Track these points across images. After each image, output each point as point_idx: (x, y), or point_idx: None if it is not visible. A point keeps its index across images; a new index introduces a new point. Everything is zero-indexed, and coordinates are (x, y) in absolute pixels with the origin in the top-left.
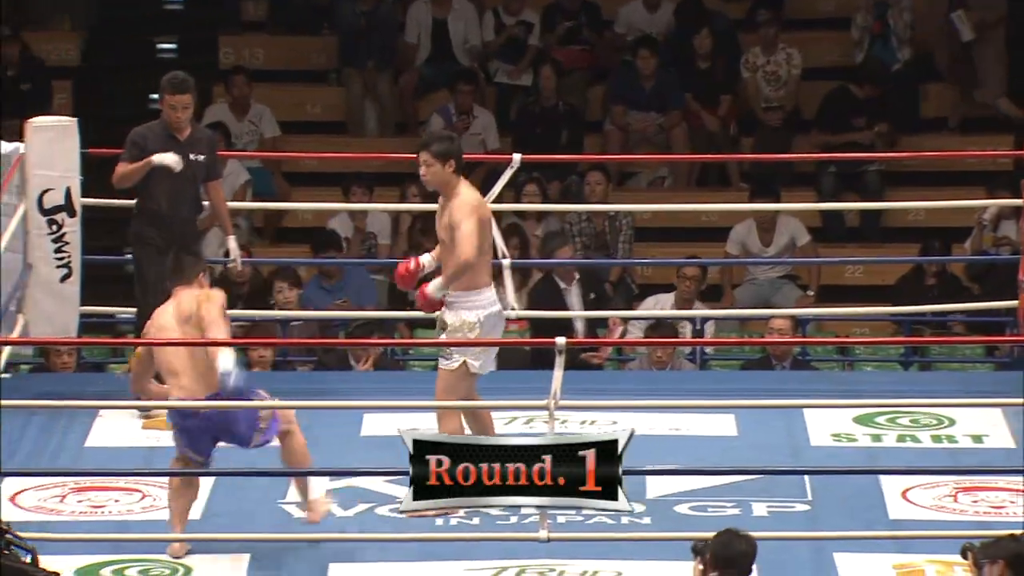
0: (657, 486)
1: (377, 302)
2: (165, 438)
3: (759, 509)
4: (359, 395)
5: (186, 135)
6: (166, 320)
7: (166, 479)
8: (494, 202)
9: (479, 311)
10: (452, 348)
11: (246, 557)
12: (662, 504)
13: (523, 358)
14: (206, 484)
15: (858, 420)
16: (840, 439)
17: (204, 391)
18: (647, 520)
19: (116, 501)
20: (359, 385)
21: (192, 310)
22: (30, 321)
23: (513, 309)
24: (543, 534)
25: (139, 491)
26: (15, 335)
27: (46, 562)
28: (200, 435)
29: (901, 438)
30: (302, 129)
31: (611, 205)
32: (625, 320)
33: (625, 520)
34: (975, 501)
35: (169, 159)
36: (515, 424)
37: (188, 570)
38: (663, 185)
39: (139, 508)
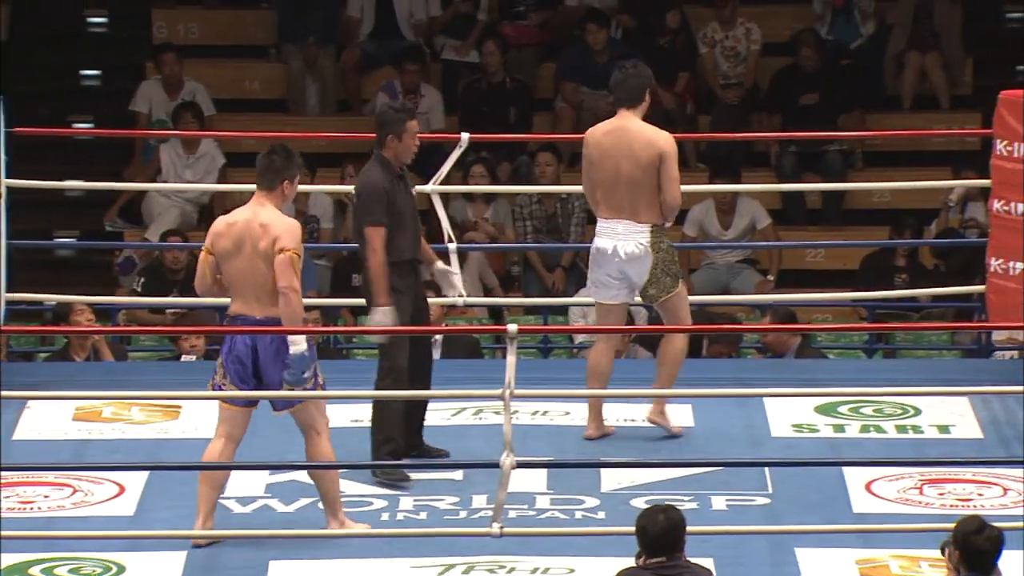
0: (612, 479)
1: (319, 288)
2: (96, 430)
3: (718, 503)
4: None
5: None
6: (239, 234)
7: (98, 473)
8: (441, 183)
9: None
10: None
11: (183, 554)
12: (617, 498)
13: (471, 346)
14: (139, 480)
15: (820, 410)
16: (801, 430)
17: (260, 312)
18: (601, 515)
19: (45, 496)
20: None
21: (267, 249)
22: None
23: (461, 296)
24: (495, 529)
25: (70, 486)
26: None
27: None
28: (241, 364)
29: (865, 428)
30: (240, 107)
31: (563, 187)
32: None
33: (579, 515)
34: (941, 494)
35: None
36: (464, 415)
37: (121, 568)
38: None
39: (70, 504)
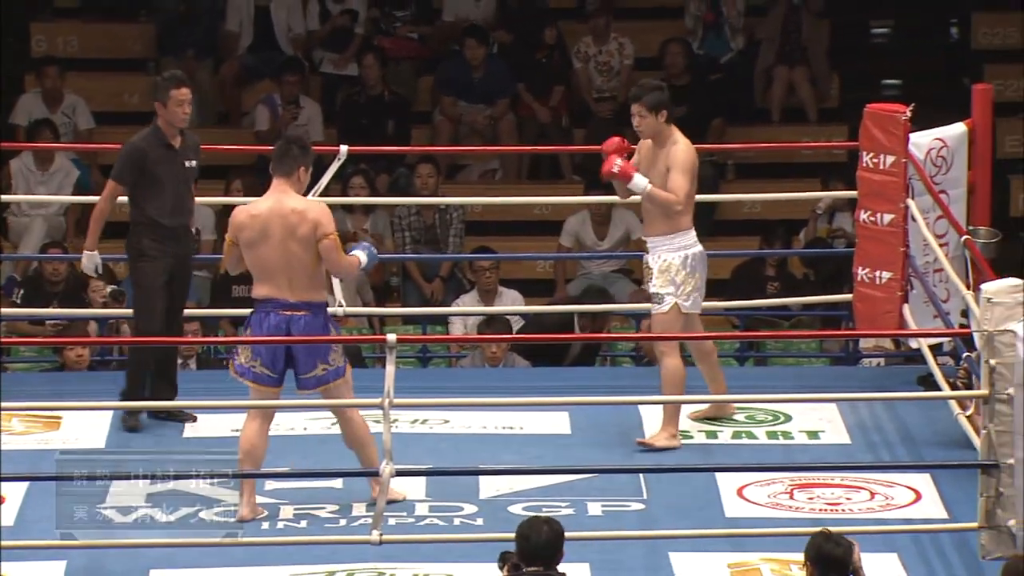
0: (490, 486)
1: (199, 299)
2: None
3: (594, 508)
4: (179, 395)
5: (179, 142)
6: (265, 222)
7: None
8: (320, 195)
9: (683, 251)
10: (661, 292)
11: (62, 564)
12: (495, 504)
13: (353, 355)
14: (19, 490)
15: (694, 417)
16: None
17: (293, 296)
18: (480, 521)
19: None
20: (181, 385)
21: (306, 234)
22: None
23: (341, 306)
24: (375, 536)
25: None
26: None
27: None
28: (272, 347)
29: (737, 435)
30: (120, 120)
31: (441, 198)
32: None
33: (458, 521)
34: (811, 498)
35: (88, 268)
36: None
37: None
38: (494, 178)
39: None
